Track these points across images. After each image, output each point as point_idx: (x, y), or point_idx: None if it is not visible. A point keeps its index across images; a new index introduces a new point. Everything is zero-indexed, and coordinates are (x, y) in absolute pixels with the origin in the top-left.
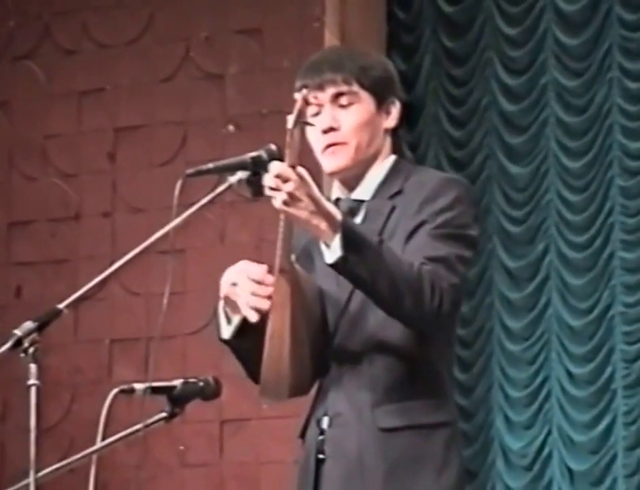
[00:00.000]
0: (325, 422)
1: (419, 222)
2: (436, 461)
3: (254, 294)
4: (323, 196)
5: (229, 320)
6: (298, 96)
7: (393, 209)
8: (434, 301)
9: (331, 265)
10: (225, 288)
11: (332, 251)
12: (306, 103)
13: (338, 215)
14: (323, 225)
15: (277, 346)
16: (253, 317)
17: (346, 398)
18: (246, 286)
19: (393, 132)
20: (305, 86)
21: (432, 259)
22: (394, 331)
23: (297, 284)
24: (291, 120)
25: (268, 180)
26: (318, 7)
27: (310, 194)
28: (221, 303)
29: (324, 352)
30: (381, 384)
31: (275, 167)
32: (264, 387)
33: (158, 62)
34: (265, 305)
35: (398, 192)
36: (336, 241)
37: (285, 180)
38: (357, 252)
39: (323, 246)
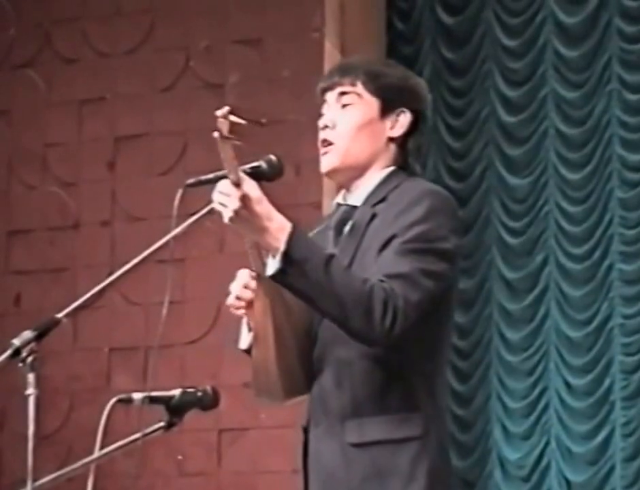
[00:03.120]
0: (309, 431)
1: (389, 236)
2: (401, 476)
3: (237, 296)
4: (271, 209)
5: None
6: (218, 112)
7: (373, 217)
8: (385, 320)
9: (271, 277)
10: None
11: (274, 263)
12: (225, 119)
13: (286, 228)
14: (269, 239)
15: (262, 349)
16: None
17: (322, 407)
18: (235, 290)
19: (403, 143)
20: (322, 89)
21: (390, 276)
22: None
23: (277, 291)
24: (216, 136)
25: (215, 196)
26: (317, 17)
27: (253, 210)
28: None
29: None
30: (353, 396)
31: (220, 185)
32: (257, 388)
33: (158, 72)
34: (240, 302)
35: (381, 200)
36: (278, 255)
37: (229, 198)
38: (297, 266)
39: (270, 258)
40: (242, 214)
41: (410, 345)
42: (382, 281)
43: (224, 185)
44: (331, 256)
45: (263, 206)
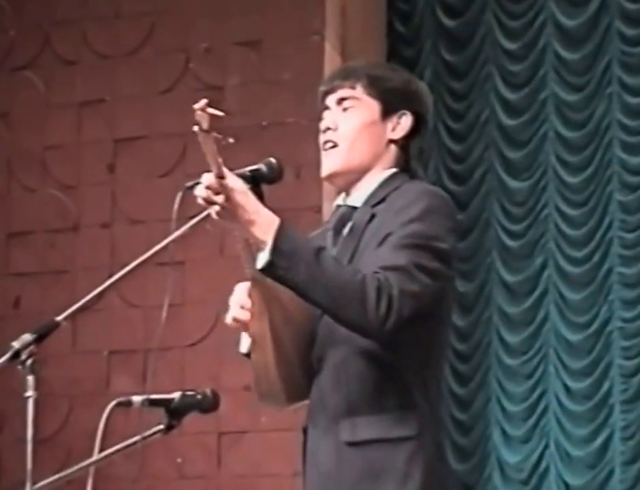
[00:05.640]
0: (308, 432)
1: (386, 234)
2: (396, 476)
3: (235, 318)
4: (259, 204)
5: None
6: (196, 106)
7: (372, 217)
8: (379, 309)
9: (261, 270)
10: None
11: (263, 256)
12: (203, 111)
13: (274, 222)
14: (258, 232)
15: (261, 353)
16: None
17: (320, 407)
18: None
19: (404, 145)
20: (323, 92)
21: (386, 268)
22: (362, 340)
23: (272, 293)
24: (196, 130)
25: (200, 192)
26: (318, 19)
27: (240, 204)
28: None
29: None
30: (349, 395)
31: (205, 178)
32: (259, 392)
33: (158, 74)
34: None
35: (381, 201)
36: (267, 247)
37: (215, 192)
38: (286, 259)
39: (259, 252)
40: (228, 209)
41: (405, 344)
42: (376, 272)
43: (208, 180)
44: (321, 248)
45: (249, 199)
